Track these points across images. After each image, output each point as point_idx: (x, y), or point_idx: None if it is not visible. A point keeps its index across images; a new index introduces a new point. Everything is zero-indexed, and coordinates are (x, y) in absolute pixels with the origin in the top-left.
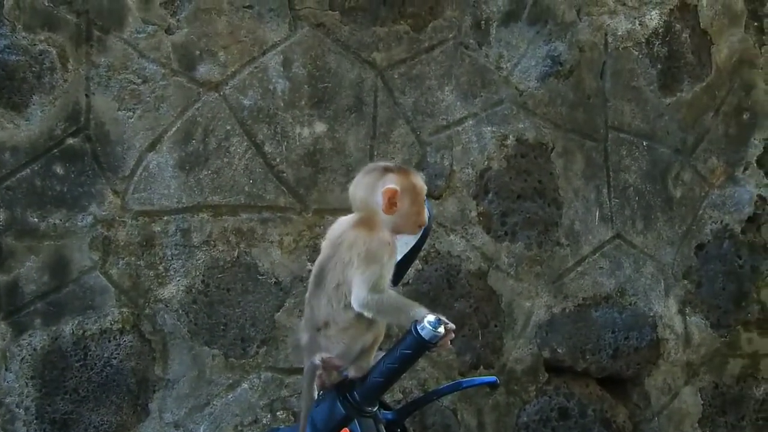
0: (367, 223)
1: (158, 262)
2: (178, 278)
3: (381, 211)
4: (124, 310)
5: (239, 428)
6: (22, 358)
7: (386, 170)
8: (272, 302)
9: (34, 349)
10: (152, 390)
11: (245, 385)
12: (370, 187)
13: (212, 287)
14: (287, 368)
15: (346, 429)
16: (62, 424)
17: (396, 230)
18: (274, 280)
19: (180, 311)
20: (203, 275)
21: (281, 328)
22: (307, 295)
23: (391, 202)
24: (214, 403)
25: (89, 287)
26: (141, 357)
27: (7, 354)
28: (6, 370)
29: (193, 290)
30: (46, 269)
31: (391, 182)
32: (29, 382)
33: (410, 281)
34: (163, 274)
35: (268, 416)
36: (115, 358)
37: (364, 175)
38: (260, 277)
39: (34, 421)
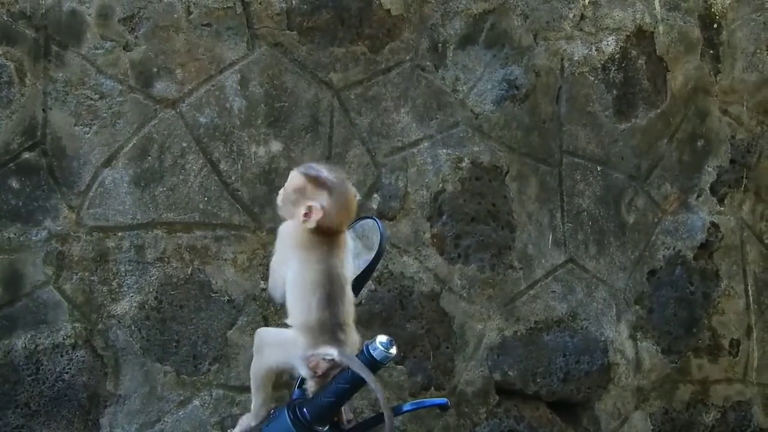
0: None
1: (112, 278)
2: (131, 294)
3: None
4: (77, 325)
5: None
6: None
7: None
8: (225, 320)
9: None
10: (104, 405)
11: (196, 402)
12: None
13: (165, 304)
14: (239, 386)
15: None
16: None
17: None
18: (227, 297)
19: (133, 327)
20: (156, 292)
21: (233, 345)
22: (324, 296)
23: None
24: (165, 419)
25: (42, 302)
26: (93, 372)
27: None
28: None
29: (146, 306)
30: None
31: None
32: None
33: (363, 301)
34: (117, 289)
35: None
36: (67, 372)
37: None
38: (213, 295)
39: None
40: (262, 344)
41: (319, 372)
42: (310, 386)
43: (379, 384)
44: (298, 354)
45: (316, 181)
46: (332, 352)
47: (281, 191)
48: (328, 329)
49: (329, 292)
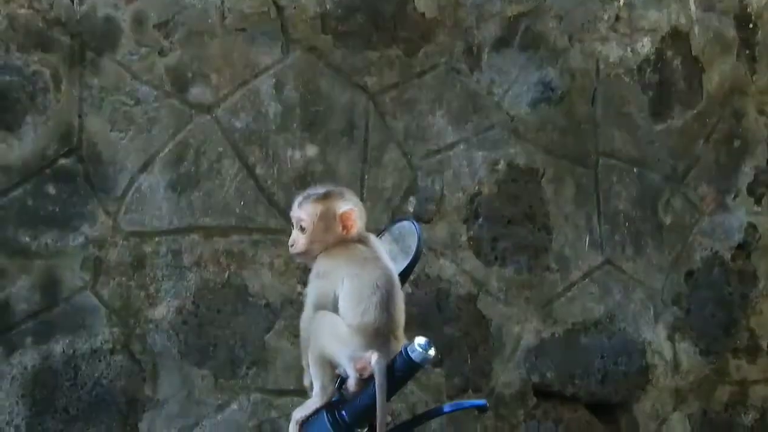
0: None
1: (149, 283)
2: (168, 299)
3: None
4: (115, 330)
5: None
6: (13, 377)
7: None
8: (262, 324)
9: (25, 368)
10: (142, 410)
11: (234, 406)
12: None
13: (202, 308)
14: (276, 390)
15: None
16: None
17: None
18: (264, 301)
19: (170, 332)
20: (194, 296)
21: (271, 349)
22: (383, 297)
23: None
24: (204, 423)
25: (80, 307)
26: (131, 377)
27: None
28: None
29: (184, 311)
30: (37, 289)
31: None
32: (20, 401)
33: None
34: (154, 294)
35: None
36: (105, 377)
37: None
38: (250, 299)
39: None
40: (318, 327)
41: (365, 375)
42: (351, 386)
43: (386, 406)
44: (347, 353)
45: (328, 196)
46: (374, 357)
47: (300, 238)
48: (383, 333)
49: (389, 292)
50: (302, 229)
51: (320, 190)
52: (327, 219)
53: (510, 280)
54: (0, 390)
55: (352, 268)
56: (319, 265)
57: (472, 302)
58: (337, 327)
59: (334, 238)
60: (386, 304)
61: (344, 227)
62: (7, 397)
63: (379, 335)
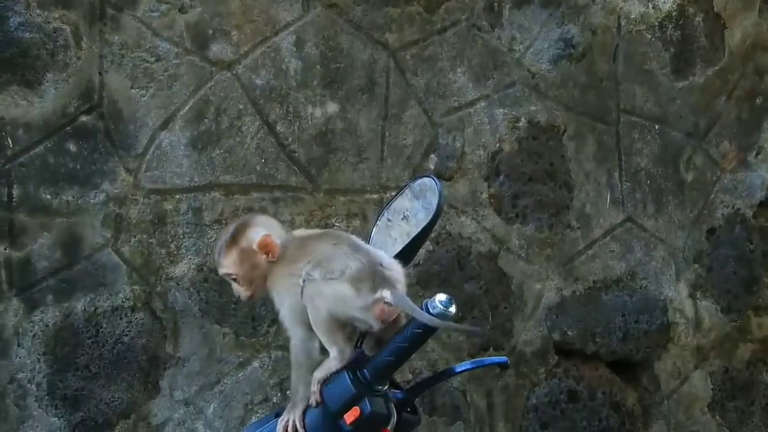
0: None
1: (170, 241)
2: (189, 257)
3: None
4: (136, 287)
5: (249, 406)
6: (34, 335)
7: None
8: None
9: (46, 326)
10: (163, 367)
11: (255, 364)
12: None
13: None
14: None
15: (357, 407)
16: (73, 400)
17: None
18: None
19: (191, 289)
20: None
21: None
22: (351, 247)
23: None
24: (225, 381)
25: (101, 264)
26: (152, 334)
27: (20, 330)
28: (18, 346)
29: (205, 269)
30: (58, 246)
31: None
32: (41, 359)
33: (421, 262)
34: (175, 252)
35: (278, 395)
36: (126, 335)
37: None
38: None
39: (46, 397)
40: (316, 298)
41: (387, 318)
42: (379, 334)
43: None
44: (358, 304)
45: (235, 236)
46: (386, 294)
47: (239, 288)
48: (378, 272)
49: (348, 239)
50: (235, 280)
51: (224, 234)
52: (249, 258)
53: (531, 238)
54: (21, 347)
55: (302, 270)
56: (277, 295)
57: (493, 260)
58: (337, 289)
59: (265, 267)
60: (357, 247)
61: (267, 254)
62: (28, 354)
63: (376, 276)
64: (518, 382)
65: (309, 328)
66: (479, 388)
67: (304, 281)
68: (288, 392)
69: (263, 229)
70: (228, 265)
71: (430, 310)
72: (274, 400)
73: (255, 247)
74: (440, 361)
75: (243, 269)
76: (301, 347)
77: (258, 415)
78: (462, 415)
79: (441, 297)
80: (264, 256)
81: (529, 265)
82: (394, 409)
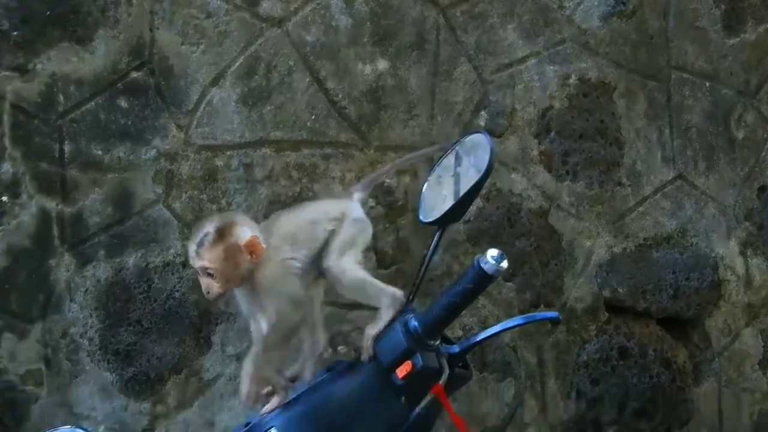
0: None
1: (221, 196)
2: (240, 212)
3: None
4: (187, 243)
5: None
6: (86, 290)
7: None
8: None
9: (98, 281)
10: (214, 323)
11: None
12: None
13: None
14: (348, 303)
15: (409, 362)
16: (125, 355)
17: None
18: None
19: None
20: (265, 210)
21: None
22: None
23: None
24: None
25: (152, 220)
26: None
27: (72, 285)
28: (70, 300)
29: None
30: (110, 202)
31: None
32: (93, 314)
33: (471, 219)
34: (226, 208)
35: (329, 351)
36: (177, 290)
37: None
38: None
39: (98, 352)
40: (335, 267)
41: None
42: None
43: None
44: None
45: (223, 233)
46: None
47: (213, 284)
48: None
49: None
50: (211, 276)
51: (209, 228)
52: (233, 256)
53: (581, 195)
54: (74, 302)
55: (293, 254)
56: (271, 289)
57: (544, 217)
58: (356, 238)
59: (246, 268)
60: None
61: (252, 254)
62: (80, 309)
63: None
64: (569, 338)
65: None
66: (530, 344)
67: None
68: (339, 348)
69: (250, 230)
70: (211, 259)
71: (482, 266)
72: (325, 355)
73: (242, 245)
74: (491, 317)
75: (224, 266)
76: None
77: None
78: (513, 371)
79: (493, 252)
80: (248, 256)
81: (579, 222)
82: (446, 364)
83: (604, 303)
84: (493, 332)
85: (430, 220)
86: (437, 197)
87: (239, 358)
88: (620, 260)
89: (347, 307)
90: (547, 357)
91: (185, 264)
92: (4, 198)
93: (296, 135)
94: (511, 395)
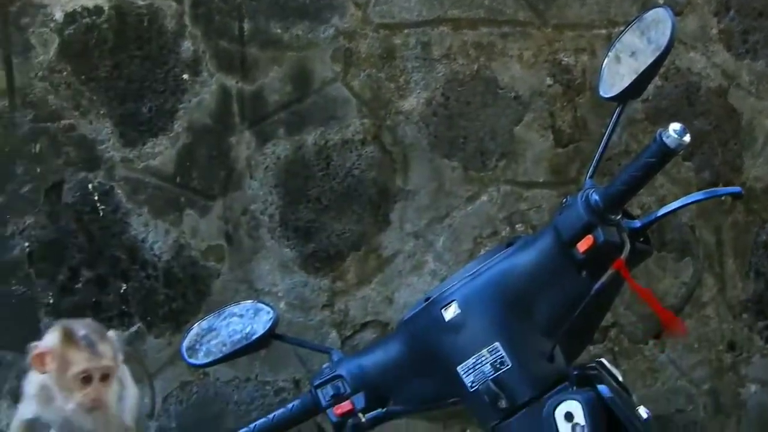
0: None
1: (399, 75)
2: (418, 91)
3: None
4: (366, 121)
5: (478, 240)
6: (266, 167)
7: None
8: (511, 116)
9: (278, 158)
10: (393, 201)
11: (484, 198)
12: None
13: (452, 100)
14: (526, 182)
15: (590, 236)
16: (305, 231)
17: None
18: (513, 94)
19: (420, 123)
20: (443, 88)
21: (520, 141)
22: None
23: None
24: (454, 214)
25: (331, 98)
26: (382, 168)
27: (252, 162)
28: (250, 178)
29: (433, 103)
30: (288, 80)
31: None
32: (273, 191)
33: (650, 97)
34: (404, 86)
35: (507, 229)
36: (356, 168)
37: None
38: (500, 91)
39: (278, 229)
40: None
41: None
42: None
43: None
44: None
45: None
46: None
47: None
48: None
49: None
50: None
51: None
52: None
53: (761, 74)
54: (254, 179)
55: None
56: None
57: (723, 96)
58: None
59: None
60: None
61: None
62: (261, 186)
63: None
64: (748, 218)
65: None
66: (708, 223)
67: None
68: (517, 226)
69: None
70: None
71: (664, 140)
72: (503, 233)
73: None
74: (669, 196)
75: (61, 379)
76: None
77: (486, 249)
78: (691, 251)
79: (675, 126)
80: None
81: (759, 101)
82: (628, 239)
83: None
84: (675, 207)
85: (610, 95)
86: (616, 73)
87: (417, 235)
88: None
89: (524, 186)
90: (726, 237)
91: (363, 142)
92: (185, 76)
93: (474, 13)
94: (689, 274)
